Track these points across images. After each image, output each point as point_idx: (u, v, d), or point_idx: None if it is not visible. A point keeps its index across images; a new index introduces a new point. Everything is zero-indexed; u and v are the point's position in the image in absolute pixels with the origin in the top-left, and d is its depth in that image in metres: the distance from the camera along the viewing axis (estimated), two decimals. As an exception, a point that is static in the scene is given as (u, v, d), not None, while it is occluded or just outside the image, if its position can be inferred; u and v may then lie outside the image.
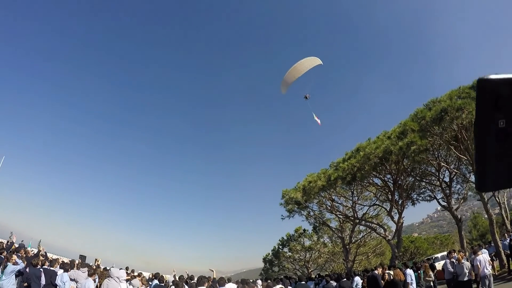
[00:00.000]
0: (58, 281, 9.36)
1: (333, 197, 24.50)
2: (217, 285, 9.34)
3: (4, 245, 12.49)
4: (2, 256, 9.89)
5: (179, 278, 11.77)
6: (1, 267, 9.23)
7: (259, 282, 14.99)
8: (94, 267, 11.53)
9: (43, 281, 9.47)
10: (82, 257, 17.68)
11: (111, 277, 8.24)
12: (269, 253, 35.42)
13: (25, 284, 9.37)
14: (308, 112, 20.36)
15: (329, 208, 24.73)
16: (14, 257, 8.98)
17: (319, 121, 21.18)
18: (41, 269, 9.63)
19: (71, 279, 9.51)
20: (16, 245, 14.68)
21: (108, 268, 12.76)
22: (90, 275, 8.88)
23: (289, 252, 33.43)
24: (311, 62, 19.82)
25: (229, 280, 13.45)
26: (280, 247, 34.04)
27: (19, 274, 8.96)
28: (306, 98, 20.77)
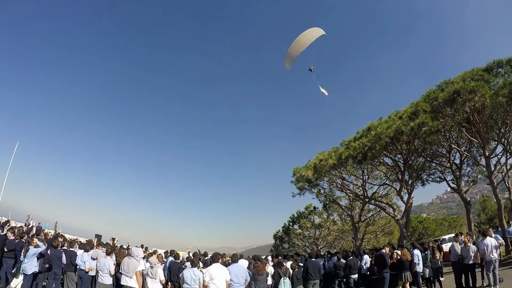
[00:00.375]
0: (78, 260, 9.77)
1: (344, 176, 24.63)
2: (230, 261, 9.67)
3: (24, 229, 12.89)
4: (23, 240, 10.35)
5: (193, 255, 12.16)
6: (23, 250, 9.61)
7: (270, 258, 15.37)
8: (111, 246, 11.96)
9: (64, 261, 9.94)
10: (98, 236, 18.21)
11: (131, 256, 8.62)
12: (279, 230, 36.03)
13: (47, 265, 9.78)
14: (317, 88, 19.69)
15: (340, 186, 24.91)
16: (35, 240, 9.29)
17: (326, 92, 20.24)
18: (62, 250, 10.10)
19: (92, 259, 9.98)
20: (34, 228, 15.23)
21: (124, 246, 13.24)
22: (108, 253, 9.26)
23: (299, 229, 33.97)
24: (314, 33, 18.70)
25: (241, 256, 13.88)
26: (291, 224, 34.58)
27: (40, 256, 9.31)
28: (311, 70, 19.73)
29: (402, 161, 20.89)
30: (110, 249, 9.75)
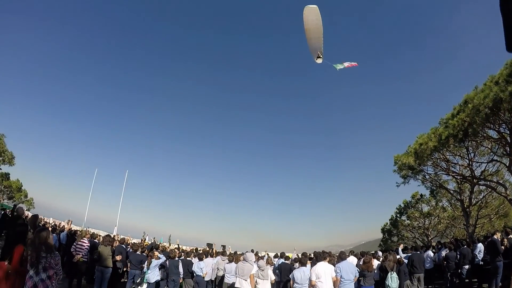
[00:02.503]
0: (195, 268, 10.92)
1: (448, 157, 22.85)
2: (340, 258, 9.93)
3: (144, 244, 14.65)
4: (144, 254, 11.94)
5: (302, 255, 12.70)
6: (146, 263, 11.06)
7: (380, 253, 15.16)
8: (228, 253, 13.16)
9: (181, 270, 11.09)
10: (209, 245, 19.91)
11: (246, 261, 9.45)
12: (387, 223, 34.34)
13: (166, 274, 11.11)
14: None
15: (445, 169, 23.08)
16: (156, 253, 10.75)
17: (349, 64, 17.50)
18: (179, 260, 11.32)
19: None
20: (149, 242, 17.22)
21: (237, 252, 14.34)
22: (230, 261, 10.47)
23: (407, 220, 32.11)
24: (315, 15, 15.42)
25: (352, 253, 13.96)
26: (398, 215, 32.87)
27: (161, 267, 10.65)
28: (319, 57, 16.78)
29: (508, 132, 18.78)
30: (232, 257, 10.97)
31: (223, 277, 11.51)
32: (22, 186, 54.97)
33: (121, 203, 32.90)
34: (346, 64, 17.75)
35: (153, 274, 10.00)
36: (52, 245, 5.04)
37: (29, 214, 12.59)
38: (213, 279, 11.95)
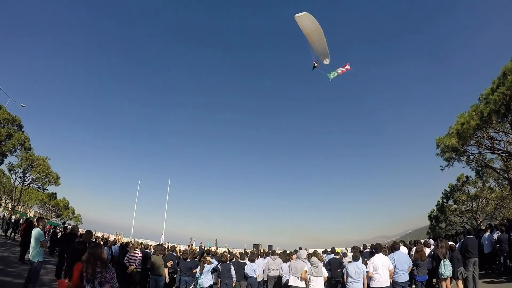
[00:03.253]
0: (247, 270, 10.97)
1: (491, 134, 21.82)
2: (392, 249, 9.76)
3: (193, 251, 14.93)
4: (196, 260, 12.12)
5: (353, 249, 12.57)
6: (198, 268, 11.23)
7: (431, 241, 14.77)
8: (277, 252, 13.28)
9: (233, 273, 11.11)
10: (256, 246, 20.22)
11: (299, 258, 9.48)
12: (433, 209, 32.93)
13: (219, 278, 11.26)
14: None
15: (489, 147, 21.97)
16: (208, 257, 10.89)
17: (346, 68, 17.63)
18: (231, 263, 11.39)
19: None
20: (196, 248, 17.55)
21: (286, 251, 14.35)
22: (285, 261, 10.61)
23: (454, 204, 30.91)
24: (307, 19, 15.99)
25: (402, 243, 13.67)
26: (444, 200, 31.60)
27: (213, 271, 10.77)
28: (315, 67, 17.24)
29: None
30: (287, 256, 11.06)
31: (277, 277, 11.64)
32: (68, 203, 57.91)
33: (166, 212, 33.71)
34: (339, 70, 17.87)
35: (206, 279, 10.12)
36: (107, 260, 5.11)
37: (83, 231, 13.14)
38: (265, 279, 12.01)
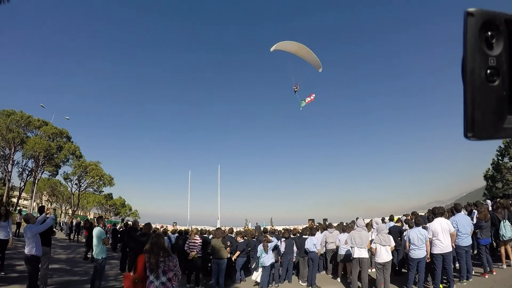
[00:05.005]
0: (308, 245, 11.00)
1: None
2: (454, 211, 9.44)
3: (251, 231, 15.25)
4: (254, 239, 12.34)
5: (412, 215, 12.29)
6: (260, 247, 11.44)
7: (489, 202, 14.23)
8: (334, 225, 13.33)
9: (295, 249, 11.28)
10: (311, 220, 21.07)
11: (359, 227, 9.33)
12: (489, 169, 31.03)
13: (280, 256, 11.42)
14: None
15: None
16: (268, 236, 11.03)
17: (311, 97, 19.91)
18: (292, 240, 11.47)
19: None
20: (252, 228, 17.88)
21: (343, 222, 14.31)
22: (344, 231, 10.70)
23: (510, 161, 28.91)
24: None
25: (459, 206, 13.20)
26: (499, 158, 29.71)
27: (275, 248, 10.93)
28: (295, 91, 19.51)
29: None
30: (344, 227, 11.15)
31: (335, 250, 11.61)
32: (125, 201, 61.06)
33: (219, 196, 34.87)
34: (307, 100, 20.00)
35: (268, 257, 10.16)
36: (168, 248, 5.16)
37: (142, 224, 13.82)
38: (322, 253, 12.05)
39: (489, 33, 0.75)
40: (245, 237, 12.36)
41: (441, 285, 8.30)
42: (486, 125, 0.76)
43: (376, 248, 8.69)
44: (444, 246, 8.06)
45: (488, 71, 0.75)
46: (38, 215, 9.03)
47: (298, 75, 20.30)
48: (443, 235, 8.10)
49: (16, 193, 40.69)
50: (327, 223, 14.99)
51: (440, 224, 8.24)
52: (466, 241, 8.64)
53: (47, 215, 8.43)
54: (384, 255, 8.56)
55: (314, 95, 20.29)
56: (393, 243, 8.84)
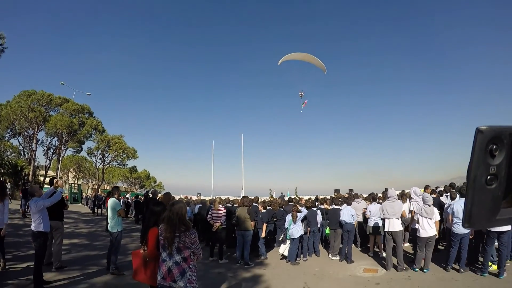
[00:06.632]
0: (344, 216, 10.05)
1: None
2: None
3: (275, 201, 14.74)
4: (282, 209, 11.78)
5: (450, 186, 11.56)
6: (289, 218, 10.84)
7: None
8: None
9: (319, 218, 10.85)
10: (336, 191, 20.90)
11: (392, 196, 8.60)
12: None
13: (309, 227, 10.88)
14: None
15: None
16: (297, 206, 10.37)
17: (305, 103, 22.37)
18: (317, 210, 10.98)
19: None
20: (277, 198, 17.44)
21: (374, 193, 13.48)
22: (374, 200, 10.08)
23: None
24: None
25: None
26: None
27: (304, 218, 10.30)
28: (301, 97, 21.93)
29: None
30: (375, 198, 10.65)
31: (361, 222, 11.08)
32: (149, 174, 61.98)
33: (243, 166, 34.52)
34: (303, 105, 22.59)
35: (297, 229, 9.52)
36: (188, 222, 4.23)
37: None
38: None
39: (494, 146, 0.82)
40: (268, 207, 11.79)
41: (494, 266, 7.45)
42: (481, 219, 0.87)
43: (418, 220, 7.93)
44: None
45: (488, 177, 0.83)
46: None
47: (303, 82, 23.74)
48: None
49: (43, 172, 41.43)
50: (352, 193, 14.20)
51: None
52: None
53: (56, 188, 7.72)
54: (428, 228, 7.78)
55: (306, 101, 22.96)
56: (437, 217, 7.96)
